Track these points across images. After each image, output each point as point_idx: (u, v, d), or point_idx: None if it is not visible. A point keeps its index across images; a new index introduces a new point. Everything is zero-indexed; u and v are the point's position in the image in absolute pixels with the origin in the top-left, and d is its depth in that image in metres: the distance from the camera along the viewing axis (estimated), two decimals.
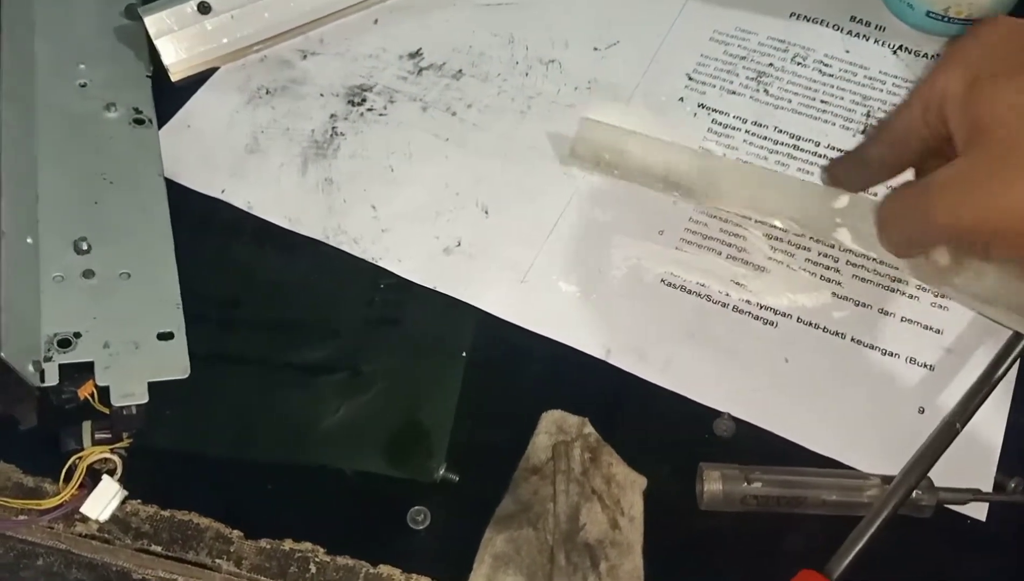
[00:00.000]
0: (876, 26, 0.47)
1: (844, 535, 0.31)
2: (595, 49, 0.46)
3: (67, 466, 0.34)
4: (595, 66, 0.46)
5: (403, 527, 0.33)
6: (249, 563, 0.33)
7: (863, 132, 0.43)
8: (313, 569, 0.33)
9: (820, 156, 0.43)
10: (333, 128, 0.44)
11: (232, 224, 0.41)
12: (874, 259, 0.39)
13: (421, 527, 0.33)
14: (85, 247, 0.38)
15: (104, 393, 0.34)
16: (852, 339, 0.38)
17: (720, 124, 0.44)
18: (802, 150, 0.43)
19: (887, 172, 0.33)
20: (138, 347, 0.36)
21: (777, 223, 0.38)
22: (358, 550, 0.33)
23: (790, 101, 0.45)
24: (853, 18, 0.48)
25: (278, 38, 0.46)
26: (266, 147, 0.43)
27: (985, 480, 0.34)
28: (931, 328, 0.38)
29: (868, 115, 0.44)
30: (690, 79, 0.45)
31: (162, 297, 0.37)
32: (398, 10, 0.48)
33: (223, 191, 0.42)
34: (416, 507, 0.34)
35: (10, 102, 0.41)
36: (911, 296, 0.39)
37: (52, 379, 0.34)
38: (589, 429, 0.35)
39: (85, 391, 0.34)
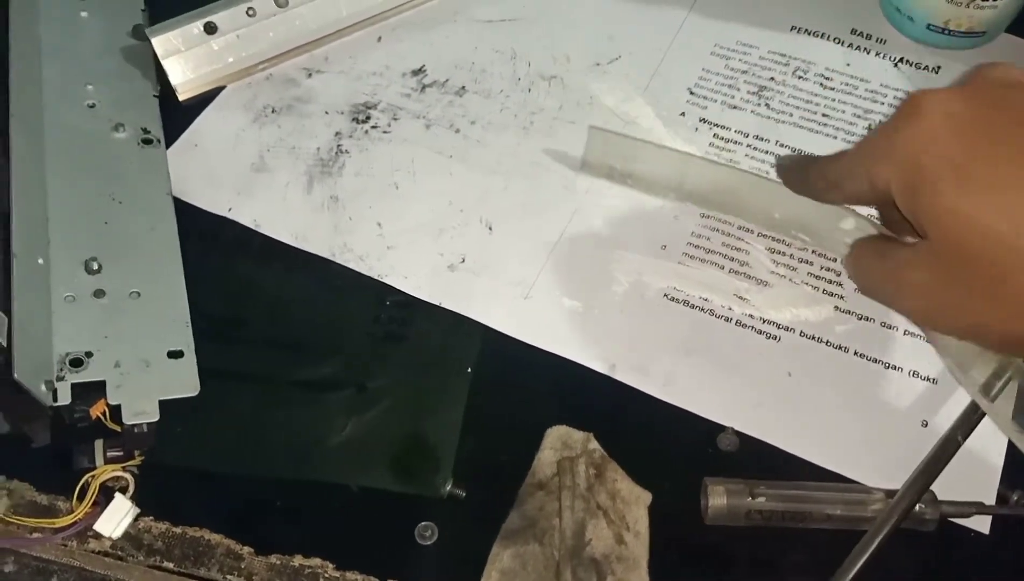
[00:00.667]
0: (877, 39, 0.48)
1: (848, 549, 0.31)
2: (597, 64, 0.47)
3: (80, 484, 0.34)
4: (597, 82, 0.46)
5: (411, 542, 0.34)
6: (259, 579, 0.33)
7: None
8: None
9: None
10: (338, 146, 0.44)
11: (239, 242, 0.41)
12: None
13: (429, 542, 0.34)
14: (96, 267, 0.38)
15: (116, 411, 0.35)
16: (855, 353, 0.38)
17: (722, 138, 0.44)
18: None
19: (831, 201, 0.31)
20: (148, 365, 0.36)
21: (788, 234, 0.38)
22: (367, 565, 0.33)
23: (791, 115, 0.45)
24: (854, 31, 0.48)
25: (283, 57, 0.47)
26: (272, 165, 0.43)
27: (988, 493, 0.34)
28: None
29: (869, 128, 0.44)
30: (692, 93, 0.46)
31: (171, 315, 0.38)
32: (401, 27, 0.48)
33: (230, 209, 0.42)
34: (424, 522, 0.34)
35: (19, 124, 0.42)
36: None
37: (64, 398, 0.34)
38: (594, 444, 0.35)
39: (97, 410, 0.35)
